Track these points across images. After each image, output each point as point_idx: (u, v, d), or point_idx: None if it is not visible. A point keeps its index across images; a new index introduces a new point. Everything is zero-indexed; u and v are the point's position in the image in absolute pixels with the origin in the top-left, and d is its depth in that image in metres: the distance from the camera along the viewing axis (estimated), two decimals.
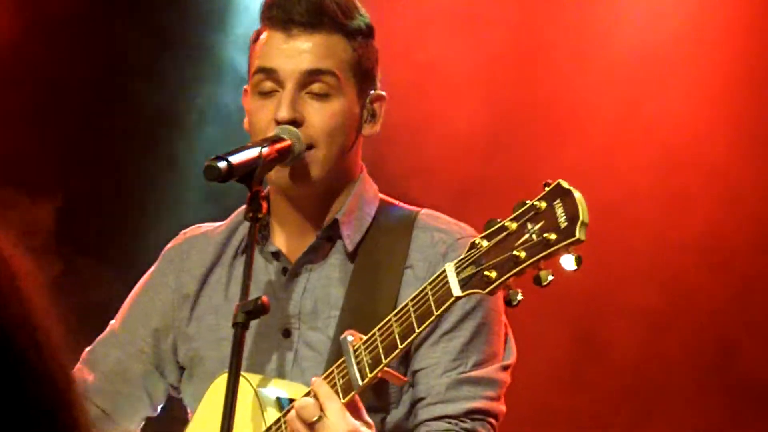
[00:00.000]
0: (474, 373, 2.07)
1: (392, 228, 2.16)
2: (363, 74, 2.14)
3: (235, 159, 1.94)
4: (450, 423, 2.05)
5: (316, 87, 2.09)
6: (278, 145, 2.00)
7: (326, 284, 2.13)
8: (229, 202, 2.42)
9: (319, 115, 2.07)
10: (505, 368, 2.11)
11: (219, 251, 2.21)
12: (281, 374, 2.10)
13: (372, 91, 2.16)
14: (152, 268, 2.28)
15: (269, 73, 2.08)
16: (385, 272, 2.12)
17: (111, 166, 4.04)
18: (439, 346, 2.07)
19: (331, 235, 2.14)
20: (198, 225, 2.31)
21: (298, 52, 2.08)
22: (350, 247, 2.12)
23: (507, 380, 2.11)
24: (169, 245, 2.29)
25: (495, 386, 2.08)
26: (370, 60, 2.16)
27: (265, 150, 1.98)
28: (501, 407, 2.10)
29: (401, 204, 2.23)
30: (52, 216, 3.68)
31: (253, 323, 1.99)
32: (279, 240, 2.16)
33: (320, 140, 2.07)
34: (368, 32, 2.16)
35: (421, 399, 2.07)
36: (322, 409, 1.86)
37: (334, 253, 2.14)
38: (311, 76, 2.08)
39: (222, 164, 1.93)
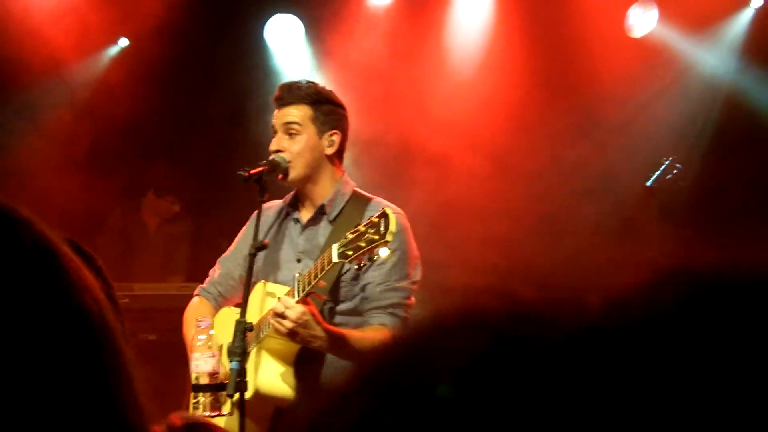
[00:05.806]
0: (396, 285, 3.48)
1: (357, 206, 3.57)
2: (320, 121, 3.59)
3: (252, 170, 3.52)
4: (382, 311, 3.49)
5: (289, 130, 3.56)
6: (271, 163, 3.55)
7: (318, 236, 3.61)
8: None
9: (290, 146, 3.56)
10: (413, 283, 3.49)
11: (276, 215, 3.74)
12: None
13: (330, 130, 3.60)
14: (248, 222, 3.83)
15: (273, 126, 3.61)
16: (348, 229, 3.44)
17: None
18: (376, 271, 3.48)
19: (322, 211, 3.61)
20: (271, 201, 3.76)
21: (283, 115, 3.60)
22: (331, 218, 3.59)
23: (416, 288, 3.49)
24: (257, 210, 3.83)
25: (407, 292, 3.47)
26: (324, 113, 3.61)
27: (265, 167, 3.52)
28: (411, 302, 3.48)
29: (365, 193, 3.64)
30: None
31: (282, 253, 3.60)
32: (300, 212, 3.67)
33: (291, 158, 3.54)
34: (323, 99, 3.62)
35: (367, 299, 3.51)
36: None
37: (323, 219, 3.62)
38: (286, 125, 3.57)
39: (244, 173, 3.48)
